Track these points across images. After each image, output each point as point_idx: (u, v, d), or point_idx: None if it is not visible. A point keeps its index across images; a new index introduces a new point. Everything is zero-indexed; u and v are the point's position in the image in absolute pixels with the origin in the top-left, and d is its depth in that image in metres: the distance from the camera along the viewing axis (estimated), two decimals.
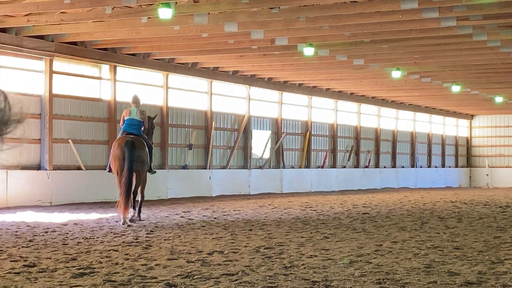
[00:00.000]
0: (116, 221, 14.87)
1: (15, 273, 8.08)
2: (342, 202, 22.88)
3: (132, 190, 14.58)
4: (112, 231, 12.83)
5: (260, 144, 29.38)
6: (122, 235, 12.28)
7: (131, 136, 14.88)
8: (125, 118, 15.21)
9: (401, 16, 16.46)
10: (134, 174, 14.62)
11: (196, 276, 7.91)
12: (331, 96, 33.35)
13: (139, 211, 15.30)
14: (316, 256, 9.71)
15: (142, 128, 15.28)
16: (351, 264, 7.24)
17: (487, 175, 45.44)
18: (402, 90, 33.05)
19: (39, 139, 19.97)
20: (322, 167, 33.19)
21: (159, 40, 20.54)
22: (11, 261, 9.01)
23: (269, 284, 7.48)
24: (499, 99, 35.19)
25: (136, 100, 15.36)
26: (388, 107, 38.35)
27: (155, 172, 15.99)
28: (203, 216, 16.59)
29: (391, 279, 7.82)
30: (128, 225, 14.07)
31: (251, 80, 28.06)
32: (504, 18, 16.85)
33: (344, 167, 34.98)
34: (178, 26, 18.00)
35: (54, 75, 20.20)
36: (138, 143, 14.81)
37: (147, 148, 15.10)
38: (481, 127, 47.09)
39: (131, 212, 14.76)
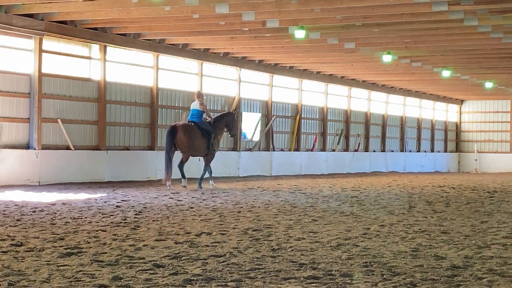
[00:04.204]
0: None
1: (2, 252, 8.08)
2: (331, 185, 22.93)
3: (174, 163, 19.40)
4: (101, 212, 12.83)
5: (250, 126, 29.35)
6: (111, 215, 12.29)
7: (181, 123, 20.23)
8: (190, 109, 20.36)
9: (392, 0, 16.42)
10: (178, 150, 19.62)
11: (183, 257, 7.94)
12: (321, 79, 33.33)
13: (200, 182, 20.18)
14: (304, 238, 9.75)
15: (204, 115, 20.09)
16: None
17: (476, 160, 45.64)
18: (393, 74, 33.07)
19: (28, 119, 19.88)
20: (312, 150, 33.23)
21: (149, 21, 20.43)
22: None
23: (257, 266, 7.51)
24: (489, 85, 35.26)
25: (199, 95, 20.23)
26: (379, 91, 38.39)
27: (214, 151, 20.36)
28: (192, 197, 16.59)
29: (378, 262, 7.87)
30: (177, 192, 18.01)
31: (242, 62, 27.99)
32: (495, 3, 16.83)
33: (334, 150, 35.04)
34: (169, 7, 17.90)
35: (43, 54, 20.07)
36: (181, 128, 19.50)
37: (196, 132, 19.64)
38: (470, 112, 47.22)
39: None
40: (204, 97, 20.94)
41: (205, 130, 20.04)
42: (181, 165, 19.70)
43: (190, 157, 20.28)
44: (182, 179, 19.63)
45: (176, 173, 20.18)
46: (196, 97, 20.31)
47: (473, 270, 7.51)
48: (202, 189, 19.53)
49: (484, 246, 9.35)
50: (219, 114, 21.76)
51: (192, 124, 19.99)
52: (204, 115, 20.22)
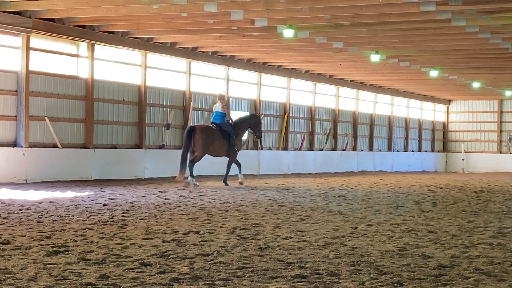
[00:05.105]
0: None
1: None
2: (318, 185, 22.96)
3: (189, 162, 20.19)
4: (88, 210, 12.79)
5: None
6: (98, 213, 12.25)
7: (201, 124, 21.73)
8: (213, 111, 21.28)
9: (381, 0, 16.45)
10: (192, 150, 20.19)
11: (171, 256, 7.93)
12: (310, 78, 33.36)
13: (225, 179, 21.25)
14: (291, 237, 9.75)
15: (226, 118, 20.89)
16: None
17: (463, 160, 45.82)
18: (381, 74, 33.14)
19: (15, 116, 19.79)
20: (300, 149, 33.26)
21: (138, 19, 20.38)
22: None
23: (244, 265, 7.51)
24: (476, 85, 35.41)
25: (221, 97, 21.26)
26: (367, 91, 38.47)
27: (235, 150, 21.16)
28: (180, 196, 16.57)
29: (365, 261, 7.88)
30: (186, 187, 19.48)
31: (230, 61, 27.97)
32: (483, 3, 16.90)
33: (322, 149, 35.08)
34: (158, 5, 17.86)
35: (31, 51, 19.99)
36: (199, 129, 20.27)
37: (215, 134, 20.44)
38: (458, 112, 47.41)
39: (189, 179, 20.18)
40: (226, 99, 22.31)
41: (226, 132, 20.91)
42: (191, 164, 20.34)
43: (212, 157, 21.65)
44: (189, 177, 20.22)
45: (186, 172, 20.55)
46: (218, 99, 21.28)
47: (460, 270, 7.54)
48: (228, 186, 20.66)
49: (471, 245, 9.39)
50: (243, 116, 22.62)
51: (214, 125, 20.86)
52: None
